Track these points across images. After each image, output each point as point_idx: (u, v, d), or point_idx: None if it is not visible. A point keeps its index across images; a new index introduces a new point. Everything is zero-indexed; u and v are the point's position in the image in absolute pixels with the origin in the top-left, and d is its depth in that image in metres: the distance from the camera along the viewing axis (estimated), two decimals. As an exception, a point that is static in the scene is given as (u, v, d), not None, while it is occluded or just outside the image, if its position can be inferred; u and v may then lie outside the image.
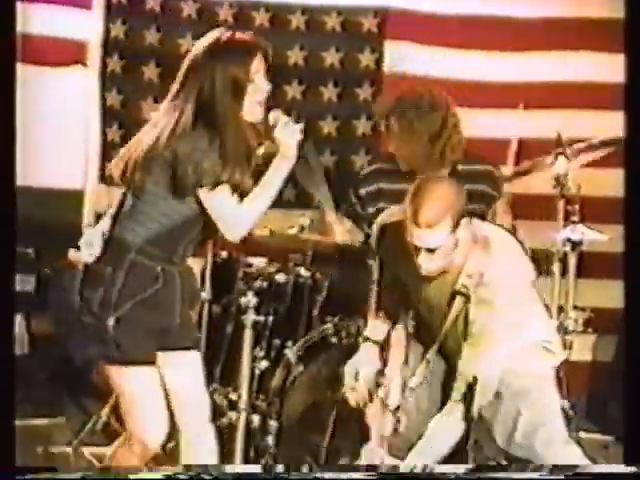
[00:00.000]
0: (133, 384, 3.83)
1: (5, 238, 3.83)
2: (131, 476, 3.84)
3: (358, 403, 4.27)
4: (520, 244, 4.26)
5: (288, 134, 3.75)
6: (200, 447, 4.00)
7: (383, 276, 4.38)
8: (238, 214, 3.72)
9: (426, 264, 3.97)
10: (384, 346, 4.36)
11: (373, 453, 4.18)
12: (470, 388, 3.99)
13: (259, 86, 3.73)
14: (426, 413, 4.18)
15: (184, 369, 3.94)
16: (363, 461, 4.22)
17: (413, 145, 4.74)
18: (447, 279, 4.04)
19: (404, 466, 4.04)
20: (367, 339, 4.35)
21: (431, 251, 3.94)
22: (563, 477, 3.79)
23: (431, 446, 4.07)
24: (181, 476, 3.79)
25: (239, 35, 3.75)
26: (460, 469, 3.92)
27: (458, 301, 4.01)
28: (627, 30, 5.43)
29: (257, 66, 3.73)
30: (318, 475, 3.96)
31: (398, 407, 4.18)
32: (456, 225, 3.96)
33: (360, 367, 4.28)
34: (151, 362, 3.81)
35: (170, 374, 3.91)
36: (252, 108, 3.73)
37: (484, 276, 3.99)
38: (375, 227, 4.32)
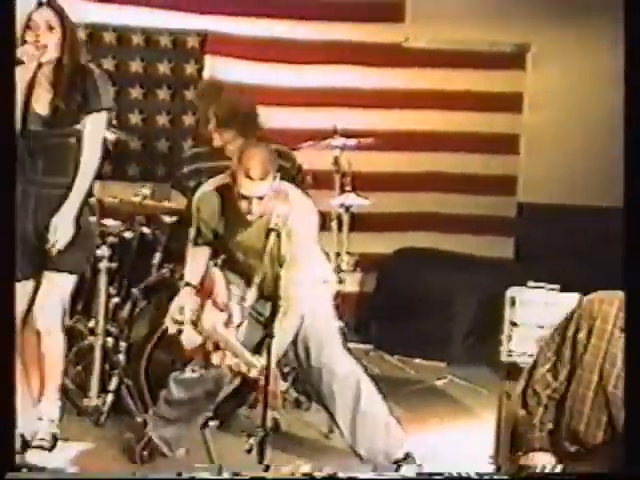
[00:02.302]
0: None
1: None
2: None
3: (178, 330, 4.60)
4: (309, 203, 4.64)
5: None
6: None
7: (200, 233, 4.68)
8: None
9: (255, 209, 4.35)
10: (198, 287, 4.67)
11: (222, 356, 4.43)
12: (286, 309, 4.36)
13: None
14: (256, 325, 4.61)
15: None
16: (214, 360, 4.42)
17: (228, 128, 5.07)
18: (263, 222, 4.40)
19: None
20: (187, 284, 4.69)
21: (260, 198, 4.35)
22: (565, 478, 3.82)
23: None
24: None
25: None
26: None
27: (272, 236, 4.31)
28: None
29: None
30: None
31: (240, 323, 4.51)
32: (274, 178, 4.40)
33: (183, 304, 4.63)
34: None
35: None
36: None
37: (287, 218, 4.35)
38: (195, 197, 4.60)
